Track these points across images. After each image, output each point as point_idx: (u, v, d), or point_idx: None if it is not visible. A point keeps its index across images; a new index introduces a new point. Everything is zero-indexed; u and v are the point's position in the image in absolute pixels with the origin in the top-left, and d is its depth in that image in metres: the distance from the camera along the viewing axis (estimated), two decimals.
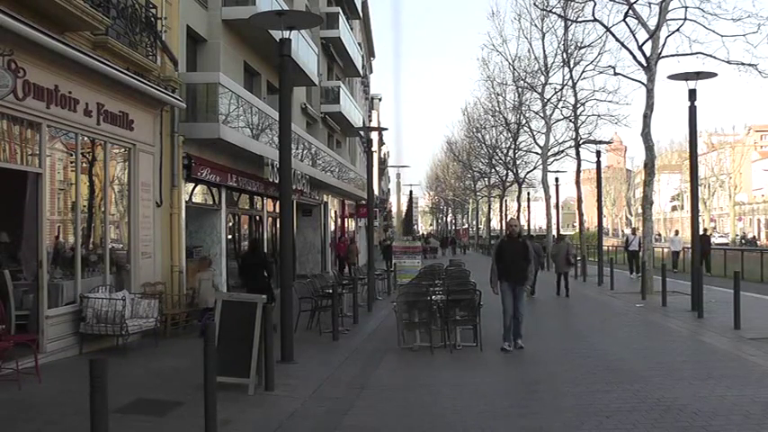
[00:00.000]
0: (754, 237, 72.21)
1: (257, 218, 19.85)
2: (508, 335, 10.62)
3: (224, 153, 15.42)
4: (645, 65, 18.49)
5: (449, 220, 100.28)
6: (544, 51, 31.57)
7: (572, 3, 24.17)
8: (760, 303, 16.04)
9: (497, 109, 41.67)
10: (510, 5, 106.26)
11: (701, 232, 30.01)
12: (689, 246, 19.67)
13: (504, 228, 53.98)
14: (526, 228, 50.09)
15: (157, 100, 12.31)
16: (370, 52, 54.07)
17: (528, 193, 48.20)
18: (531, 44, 34.34)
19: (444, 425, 6.76)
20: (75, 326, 10.17)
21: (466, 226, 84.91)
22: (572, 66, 28.62)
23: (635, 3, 18.77)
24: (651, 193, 19.21)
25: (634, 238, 26.08)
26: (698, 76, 15.02)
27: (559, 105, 31.94)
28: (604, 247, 31.12)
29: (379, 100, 66.36)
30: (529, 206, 49.92)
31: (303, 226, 26.04)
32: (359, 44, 37.95)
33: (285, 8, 16.13)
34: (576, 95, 29.42)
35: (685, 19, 18.32)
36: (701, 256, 25.62)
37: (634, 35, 19.05)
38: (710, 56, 18.54)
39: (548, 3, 26.27)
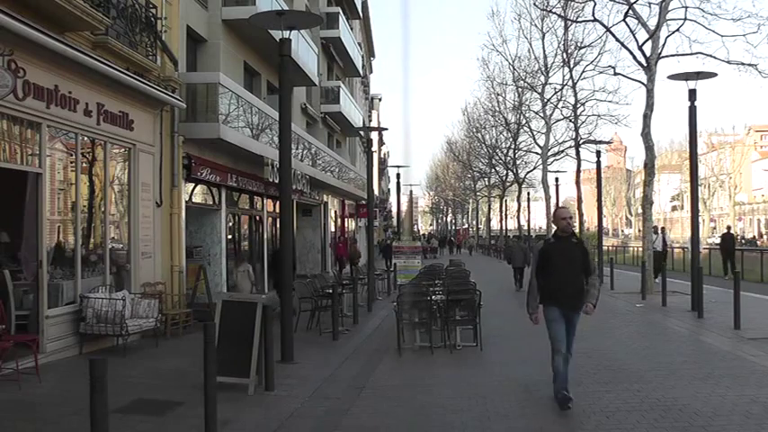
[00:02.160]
0: (754, 237, 72.20)
1: (257, 218, 19.84)
2: (564, 383, 7.14)
3: (224, 153, 15.42)
4: (645, 65, 18.50)
5: (449, 220, 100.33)
6: (544, 51, 31.65)
7: (572, 3, 24.20)
8: (760, 303, 16.03)
9: (497, 109, 41.80)
10: (510, 5, 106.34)
11: (724, 230, 29.68)
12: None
13: (502, 226, 54.32)
14: (526, 228, 50.09)
15: (157, 100, 12.31)
16: (370, 52, 54.07)
17: (528, 193, 48.23)
18: (531, 44, 34.67)
19: (444, 425, 6.75)
20: (75, 326, 10.17)
21: (466, 226, 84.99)
22: (572, 66, 28.66)
23: (635, 3, 18.80)
24: (651, 193, 19.23)
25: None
26: (698, 76, 15.03)
27: (559, 105, 32.03)
28: (604, 247, 31.14)
29: (379, 100, 66.37)
30: (529, 206, 49.92)
31: (303, 226, 26.03)
32: (359, 44, 37.94)
33: (285, 8, 16.13)
34: (575, 95, 29.45)
35: (685, 19, 18.36)
36: (726, 256, 25.05)
37: (634, 35, 19.09)
38: (710, 56, 18.59)
39: (548, 3, 26.32)
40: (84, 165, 11.26)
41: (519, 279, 22.00)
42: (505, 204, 53.52)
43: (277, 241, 18.39)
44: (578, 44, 27.61)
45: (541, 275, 7.23)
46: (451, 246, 60.34)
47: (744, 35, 18.68)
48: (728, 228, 31.28)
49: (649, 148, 18.81)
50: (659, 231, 23.63)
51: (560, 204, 40.32)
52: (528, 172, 43.58)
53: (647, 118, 18.57)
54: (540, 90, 32.42)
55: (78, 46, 9.73)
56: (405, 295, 11.30)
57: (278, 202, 13.79)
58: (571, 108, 30.25)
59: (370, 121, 54.91)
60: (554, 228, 7.56)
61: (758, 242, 65.67)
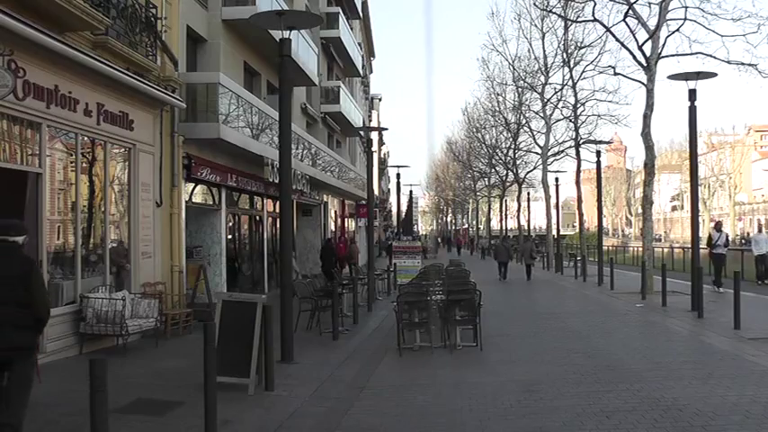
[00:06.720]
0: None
1: (257, 218, 19.86)
2: None
3: (224, 153, 15.43)
4: (645, 65, 18.50)
5: (449, 220, 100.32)
6: (544, 51, 31.64)
7: (572, 3, 24.19)
8: (760, 303, 16.04)
9: (497, 109, 41.72)
10: (510, 5, 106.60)
11: None
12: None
13: (502, 226, 54.37)
14: (526, 228, 50.07)
15: (157, 100, 12.31)
16: (369, 52, 54.08)
17: (528, 193, 48.20)
18: (531, 44, 34.41)
19: (444, 425, 6.75)
20: (75, 326, 10.17)
21: (466, 226, 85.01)
22: (572, 66, 28.66)
23: (635, 3, 18.80)
24: (651, 193, 19.22)
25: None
26: (698, 76, 15.01)
27: (559, 105, 32.01)
28: (604, 247, 31.16)
29: (379, 100, 66.37)
30: (529, 206, 49.89)
31: (303, 226, 26.03)
32: (359, 44, 37.95)
33: (285, 8, 16.14)
34: (576, 95, 29.45)
35: (685, 19, 18.35)
36: None
37: (634, 35, 19.08)
38: (710, 56, 18.56)
39: (548, 3, 26.32)
40: (84, 165, 11.25)
41: (503, 271, 26.47)
42: (505, 204, 53.50)
43: (277, 241, 18.41)
44: (578, 44, 27.63)
45: None
46: (450, 246, 60.06)
47: (744, 35, 18.66)
48: None
49: (649, 148, 18.81)
50: (721, 229, 20.19)
51: (560, 204, 40.37)
52: (528, 172, 43.55)
53: (647, 118, 18.57)
54: (540, 90, 32.42)
55: (78, 46, 9.73)
56: (405, 295, 11.29)
57: (278, 202, 13.79)
58: (571, 108, 30.26)
59: (370, 121, 54.92)
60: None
61: None
